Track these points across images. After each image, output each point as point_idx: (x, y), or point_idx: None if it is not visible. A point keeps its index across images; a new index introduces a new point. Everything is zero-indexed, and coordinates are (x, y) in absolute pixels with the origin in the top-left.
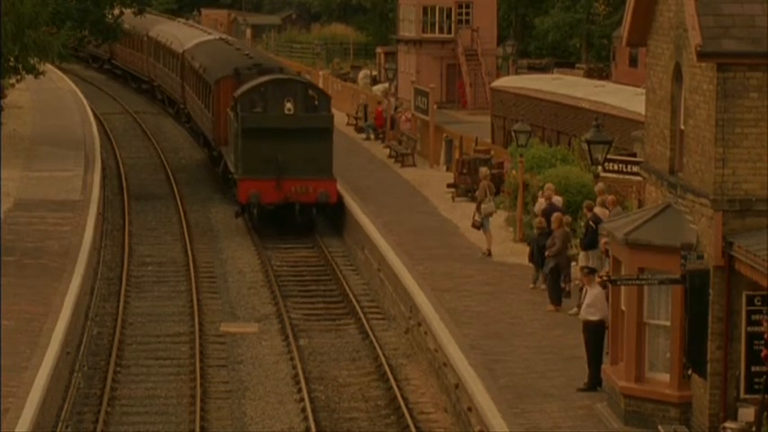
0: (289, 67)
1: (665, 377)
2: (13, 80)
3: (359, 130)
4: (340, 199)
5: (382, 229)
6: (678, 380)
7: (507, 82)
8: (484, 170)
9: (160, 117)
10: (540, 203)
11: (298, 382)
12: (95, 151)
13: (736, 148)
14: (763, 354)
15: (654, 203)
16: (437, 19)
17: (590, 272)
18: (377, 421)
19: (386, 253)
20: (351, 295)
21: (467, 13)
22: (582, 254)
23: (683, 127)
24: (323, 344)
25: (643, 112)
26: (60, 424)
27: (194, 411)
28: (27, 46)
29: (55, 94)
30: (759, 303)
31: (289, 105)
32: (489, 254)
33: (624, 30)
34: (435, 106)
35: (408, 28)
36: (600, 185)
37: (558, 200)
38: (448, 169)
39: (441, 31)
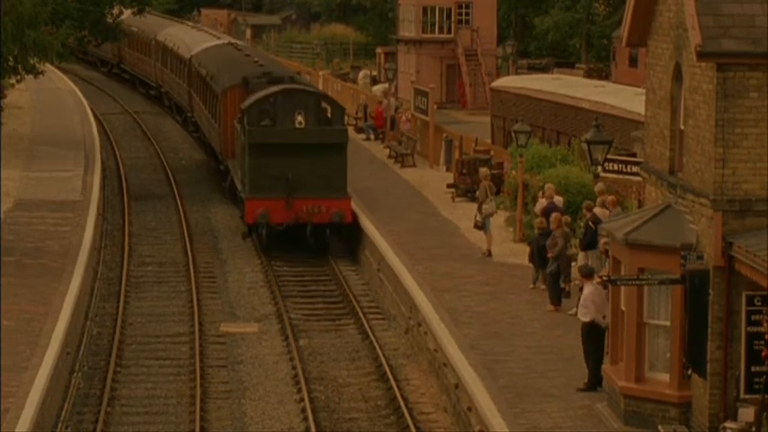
0: (300, 75)
1: (665, 377)
2: (12, 80)
3: (359, 130)
4: None
5: (382, 230)
6: (678, 380)
7: (507, 82)
8: (484, 170)
9: (160, 117)
10: (541, 203)
11: (297, 383)
12: (95, 151)
13: (736, 149)
14: (763, 354)
15: (654, 203)
16: (437, 19)
17: (587, 272)
18: (377, 421)
19: (386, 253)
20: (351, 295)
21: (467, 14)
22: (581, 254)
23: (682, 127)
24: (323, 344)
25: (643, 112)
26: (60, 424)
27: (194, 411)
28: (27, 46)
29: (55, 94)
30: (759, 303)
31: (300, 118)
32: (489, 254)
33: (624, 30)
34: (435, 106)
35: (408, 28)
36: (600, 185)
37: (558, 200)
38: (448, 169)
39: (440, 31)
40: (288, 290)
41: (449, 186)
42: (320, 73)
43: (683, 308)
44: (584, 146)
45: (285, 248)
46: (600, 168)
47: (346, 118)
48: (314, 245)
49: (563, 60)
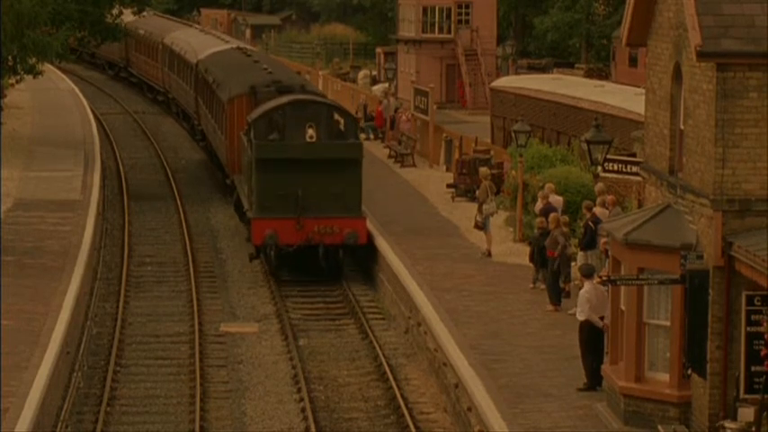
0: (311, 83)
1: (665, 377)
2: (12, 80)
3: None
4: None
5: (382, 230)
6: (678, 380)
7: (507, 82)
8: (485, 170)
9: (160, 117)
10: (538, 205)
11: (297, 382)
12: (95, 151)
13: (736, 148)
14: (763, 353)
15: (654, 203)
16: (437, 19)
17: (587, 272)
18: (376, 421)
19: (386, 253)
20: (350, 295)
21: (466, 13)
22: (581, 254)
23: (682, 127)
24: (323, 344)
25: (643, 112)
26: (60, 424)
27: (194, 411)
28: (26, 46)
29: (55, 94)
30: (759, 303)
31: (310, 132)
32: (489, 254)
33: (624, 30)
34: (435, 106)
35: (408, 28)
36: (600, 185)
37: (557, 200)
38: (448, 169)
39: (440, 31)
40: (287, 289)
41: (449, 186)
42: (320, 73)
43: (682, 308)
44: (584, 146)
45: (295, 270)
46: (600, 168)
47: (361, 131)
48: (326, 267)
49: (563, 60)
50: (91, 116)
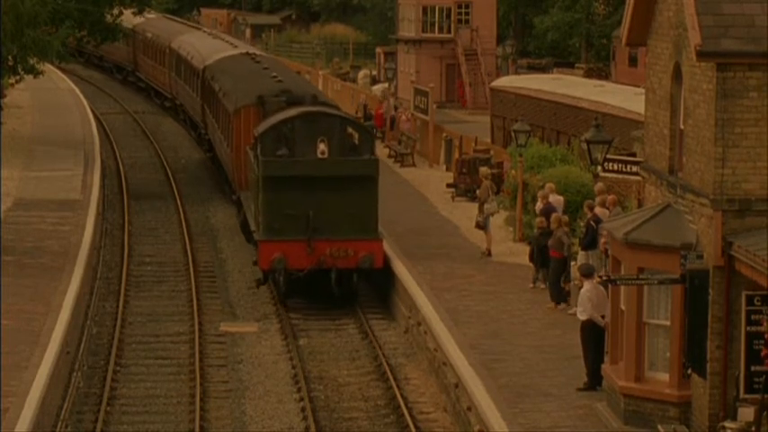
0: (323, 93)
1: (665, 377)
2: (12, 80)
3: None
4: None
5: (382, 229)
6: (678, 379)
7: (507, 82)
8: (485, 170)
9: (160, 117)
10: (538, 206)
11: (297, 382)
12: (95, 151)
13: (736, 148)
14: (763, 353)
15: (653, 203)
16: (437, 19)
17: (587, 271)
18: (376, 421)
19: (386, 253)
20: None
21: (466, 13)
22: (581, 253)
23: (682, 127)
24: (322, 343)
25: (643, 111)
26: (60, 423)
27: (194, 411)
28: (26, 45)
29: (55, 93)
30: (759, 303)
31: (322, 147)
32: (489, 254)
33: (624, 29)
34: (435, 106)
35: (408, 28)
36: (600, 185)
37: (557, 199)
38: (447, 169)
39: (440, 30)
40: (287, 289)
41: (448, 186)
42: (320, 73)
43: (682, 307)
44: (584, 145)
45: (306, 296)
46: (599, 168)
47: (377, 146)
48: (339, 293)
49: (563, 60)
50: (91, 116)
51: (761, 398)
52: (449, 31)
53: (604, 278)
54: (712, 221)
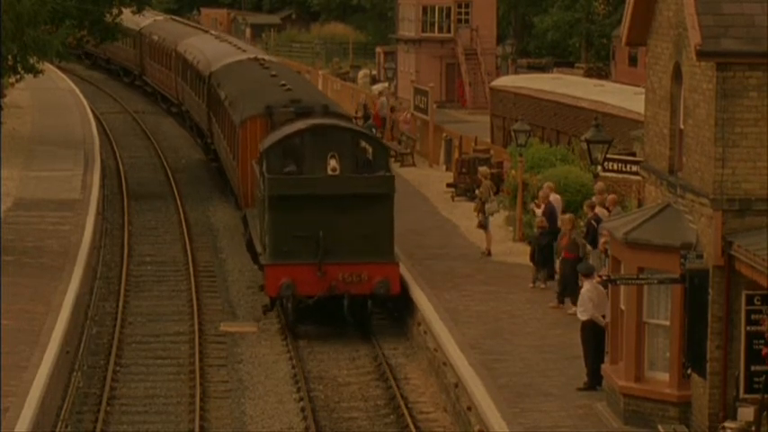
0: (335, 103)
1: (665, 377)
2: (12, 80)
3: None
4: None
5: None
6: (678, 379)
7: (507, 81)
8: (484, 169)
9: (160, 117)
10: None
11: (297, 382)
12: (95, 151)
13: (736, 148)
14: (763, 352)
15: (653, 203)
16: (436, 18)
17: (587, 271)
18: (376, 421)
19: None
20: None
21: (466, 13)
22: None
23: (682, 126)
24: (323, 343)
25: (643, 111)
26: (60, 423)
27: (194, 411)
28: (26, 45)
29: (55, 93)
30: (759, 303)
31: (333, 163)
32: (489, 253)
33: (624, 29)
34: (435, 106)
35: (408, 27)
36: (600, 185)
37: (556, 198)
38: (447, 169)
39: (440, 30)
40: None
41: (448, 186)
42: (320, 72)
43: (682, 307)
44: (584, 145)
45: (316, 323)
46: (599, 168)
47: (392, 160)
48: (353, 321)
49: (563, 60)
50: (91, 116)
51: (761, 398)
52: (449, 31)
53: (604, 278)
54: (712, 221)
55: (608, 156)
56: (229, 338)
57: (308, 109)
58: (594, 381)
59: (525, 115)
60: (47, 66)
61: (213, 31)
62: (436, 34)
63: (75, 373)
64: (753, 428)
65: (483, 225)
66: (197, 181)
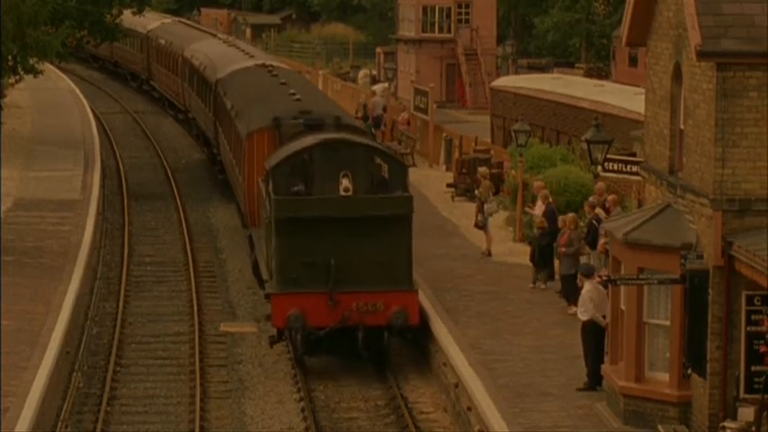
0: (348, 114)
1: (665, 377)
2: (12, 80)
3: None
4: None
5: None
6: (678, 379)
7: (507, 82)
8: (484, 170)
9: (160, 117)
10: (540, 206)
11: (297, 382)
12: (95, 151)
13: (736, 148)
14: (762, 351)
15: (654, 203)
16: (437, 19)
17: (587, 271)
18: (376, 421)
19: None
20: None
21: (466, 13)
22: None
23: (682, 127)
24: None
25: (643, 111)
26: (60, 423)
27: (194, 411)
28: (27, 45)
29: (55, 93)
30: (759, 303)
31: (345, 183)
32: (489, 254)
33: (624, 29)
34: (435, 106)
35: (408, 27)
36: (600, 185)
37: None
38: (447, 169)
39: (440, 30)
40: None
41: (448, 186)
42: (320, 72)
43: (682, 307)
44: (584, 145)
45: (327, 356)
46: (600, 168)
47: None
48: (367, 355)
49: (563, 60)
50: (91, 116)
51: (761, 398)
52: (449, 31)
53: (604, 278)
54: (712, 221)
55: (608, 156)
56: (229, 339)
57: (319, 121)
58: (594, 381)
59: (525, 115)
60: (47, 66)
61: (221, 35)
62: (436, 34)
63: (75, 374)
64: (753, 429)
65: (481, 225)
66: (197, 181)
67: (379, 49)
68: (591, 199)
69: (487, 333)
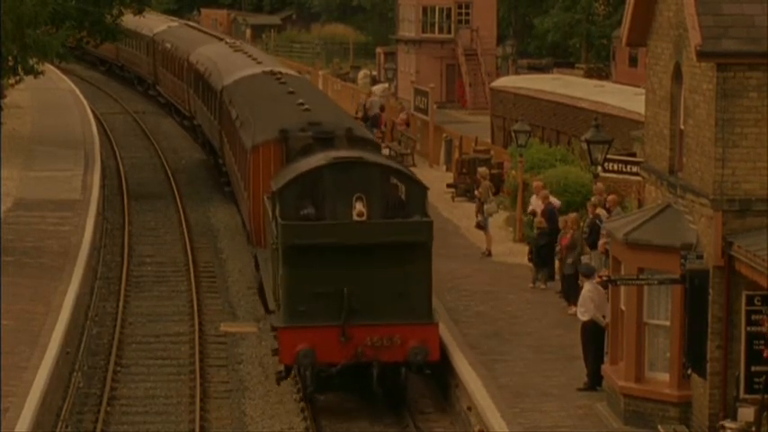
0: (360, 126)
1: (665, 377)
2: (12, 80)
3: None
4: None
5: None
6: (678, 379)
7: (507, 82)
8: (484, 170)
9: (160, 117)
10: (539, 205)
11: (297, 382)
12: (95, 151)
13: (736, 148)
14: (764, 353)
15: (654, 203)
16: (437, 19)
17: (587, 271)
18: (376, 421)
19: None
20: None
21: (466, 13)
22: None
23: (682, 127)
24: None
25: (643, 111)
26: (60, 423)
27: (194, 411)
28: (27, 46)
29: (55, 94)
30: (759, 303)
31: (359, 207)
32: (489, 254)
33: (624, 30)
34: (435, 106)
35: (408, 28)
36: (600, 185)
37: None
38: (448, 169)
39: (440, 31)
40: None
41: (449, 186)
42: (320, 73)
43: (682, 308)
44: (584, 145)
45: (340, 393)
46: (600, 168)
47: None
48: (383, 393)
49: (563, 60)
50: (91, 116)
51: (761, 398)
52: (449, 32)
53: (605, 278)
54: (712, 221)
55: (608, 156)
56: (230, 339)
57: (329, 134)
58: (594, 381)
59: (525, 116)
60: (47, 66)
61: (229, 39)
62: (436, 35)
63: (75, 374)
64: (753, 429)
65: (481, 225)
66: (197, 181)
67: (379, 50)
68: (593, 199)
69: (487, 333)
